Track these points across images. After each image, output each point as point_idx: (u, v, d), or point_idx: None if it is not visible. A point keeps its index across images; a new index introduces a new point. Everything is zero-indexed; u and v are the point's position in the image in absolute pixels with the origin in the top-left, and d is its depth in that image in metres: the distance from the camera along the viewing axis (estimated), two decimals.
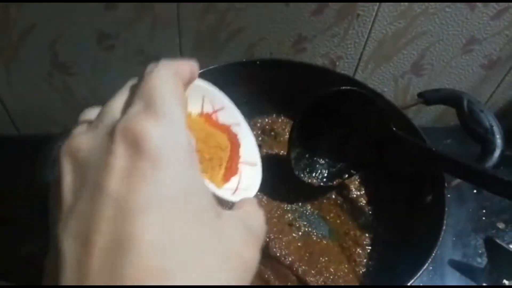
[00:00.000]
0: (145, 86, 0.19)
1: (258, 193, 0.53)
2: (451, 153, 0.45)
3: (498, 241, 0.53)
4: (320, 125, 0.52)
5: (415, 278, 0.41)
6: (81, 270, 0.16)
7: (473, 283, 0.55)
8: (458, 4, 0.59)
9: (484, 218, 0.62)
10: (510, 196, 0.41)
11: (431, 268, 0.55)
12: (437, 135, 0.70)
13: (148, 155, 0.17)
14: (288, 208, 0.53)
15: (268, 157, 0.57)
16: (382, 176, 0.54)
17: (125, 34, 0.57)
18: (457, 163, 0.44)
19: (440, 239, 0.42)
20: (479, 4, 0.59)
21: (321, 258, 0.48)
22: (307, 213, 0.53)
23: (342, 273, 0.47)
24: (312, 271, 0.46)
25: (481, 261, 0.57)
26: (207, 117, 0.30)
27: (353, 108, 0.50)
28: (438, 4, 0.58)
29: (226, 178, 0.29)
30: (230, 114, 0.31)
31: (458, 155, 0.62)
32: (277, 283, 0.46)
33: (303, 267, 0.46)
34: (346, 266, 0.48)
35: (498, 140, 0.45)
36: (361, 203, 0.54)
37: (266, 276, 0.46)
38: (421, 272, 0.41)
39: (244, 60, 0.58)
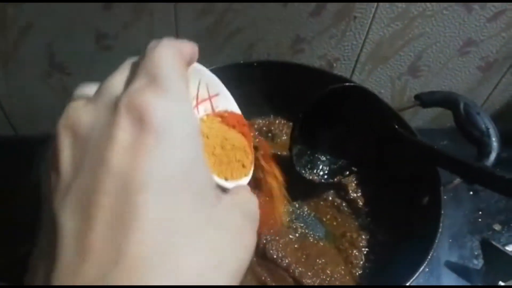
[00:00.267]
0: (148, 61, 0.19)
1: (256, 194, 0.53)
2: (451, 151, 0.46)
3: (494, 242, 0.53)
4: (322, 122, 0.52)
5: (411, 280, 0.41)
6: (81, 246, 0.15)
7: (469, 285, 0.55)
8: (455, 7, 0.59)
9: (480, 219, 0.62)
10: (510, 194, 0.41)
11: (427, 269, 0.55)
12: (434, 136, 0.70)
13: (153, 129, 0.17)
14: (285, 209, 0.53)
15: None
16: (379, 178, 0.54)
17: (123, 35, 0.57)
18: (457, 161, 0.44)
19: (437, 241, 0.42)
20: (476, 7, 0.59)
21: (317, 260, 0.48)
22: (304, 214, 0.53)
23: (338, 275, 0.48)
24: (309, 273, 0.46)
25: (477, 263, 0.57)
26: (220, 116, 0.30)
27: (355, 105, 0.50)
28: (435, 6, 0.59)
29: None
30: (226, 100, 0.31)
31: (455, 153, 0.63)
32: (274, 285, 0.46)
33: (300, 269, 0.46)
34: (343, 268, 0.48)
35: (494, 143, 0.45)
36: (358, 205, 0.54)
37: (263, 278, 0.46)
38: (417, 274, 0.41)
39: (241, 61, 0.58)
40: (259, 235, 0.48)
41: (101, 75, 0.66)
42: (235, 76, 0.55)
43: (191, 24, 0.57)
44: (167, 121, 0.17)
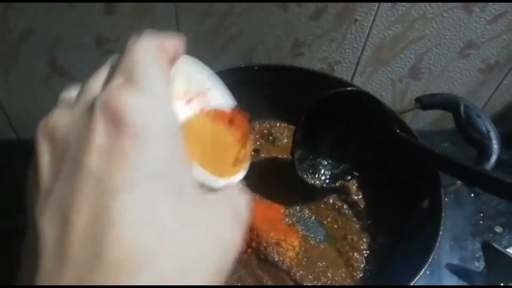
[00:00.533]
0: (126, 58, 0.18)
1: (256, 197, 0.53)
2: (450, 155, 0.46)
3: (495, 245, 0.53)
4: (324, 126, 0.53)
5: (412, 282, 0.41)
6: (60, 251, 0.15)
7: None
8: (456, 9, 0.59)
9: (481, 222, 0.62)
10: (510, 198, 0.41)
11: (428, 272, 0.55)
12: (434, 138, 0.70)
13: (129, 131, 0.16)
14: (286, 212, 0.53)
15: (266, 162, 0.57)
16: (380, 181, 0.54)
17: (124, 39, 0.57)
18: (457, 164, 0.45)
19: (437, 244, 0.43)
20: (477, 9, 0.59)
21: (318, 263, 0.48)
22: (305, 217, 0.53)
23: (339, 278, 0.48)
24: (310, 276, 0.46)
25: (479, 265, 0.57)
26: (212, 112, 0.29)
27: (356, 108, 0.50)
28: (435, 9, 0.59)
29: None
30: (219, 94, 0.30)
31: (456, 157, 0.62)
32: None
33: (301, 272, 0.46)
34: (344, 270, 0.49)
35: (495, 146, 0.45)
36: (359, 208, 0.54)
37: (264, 281, 0.46)
38: (418, 277, 0.41)
39: (242, 65, 0.58)
40: (261, 235, 0.49)
41: None
42: (236, 80, 0.55)
43: (192, 28, 0.57)
44: (143, 121, 0.17)
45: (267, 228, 0.49)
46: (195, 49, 0.68)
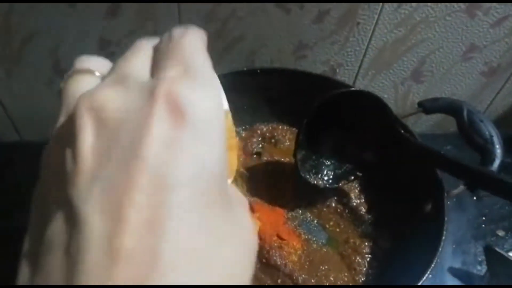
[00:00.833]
0: (181, 49, 0.18)
1: (258, 200, 0.53)
2: (455, 156, 0.46)
3: (497, 249, 0.53)
4: (327, 127, 0.52)
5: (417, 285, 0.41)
6: (112, 248, 0.14)
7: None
8: (458, 13, 0.59)
9: (483, 225, 0.62)
10: None
11: (430, 276, 0.55)
12: (437, 142, 0.70)
13: (190, 124, 0.16)
14: (288, 216, 0.53)
15: (269, 165, 0.57)
16: (382, 185, 0.54)
17: (127, 41, 0.58)
18: (461, 165, 0.44)
19: (440, 248, 0.42)
20: (479, 13, 0.59)
21: (321, 267, 0.48)
22: (307, 221, 0.53)
23: (342, 281, 0.48)
24: (312, 280, 0.47)
25: (481, 269, 0.57)
26: None
27: (360, 109, 0.50)
28: (438, 12, 0.59)
29: None
30: None
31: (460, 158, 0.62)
32: None
33: (303, 275, 0.46)
34: (346, 274, 0.49)
35: (498, 150, 0.45)
36: (361, 211, 0.54)
37: (266, 284, 0.46)
38: (421, 282, 0.41)
39: (245, 68, 0.58)
40: (263, 238, 0.49)
41: None
42: (239, 83, 0.56)
43: None
44: (205, 116, 0.16)
45: (269, 231, 0.49)
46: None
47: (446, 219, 0.44)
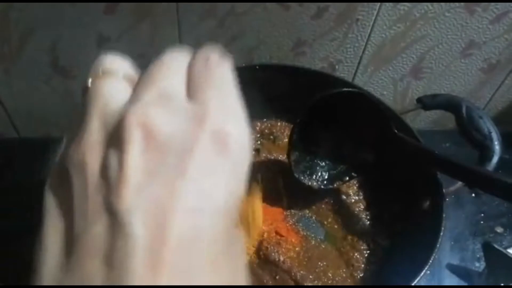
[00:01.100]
0: (218, 80, 0.19)
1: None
2: (450, 155, 0.46)
3: (496, 245, 0.53)
4: (321, 127, 0.52)
5: (413, 283, 0.41)
6: (155, 255, 0.15)
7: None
8: (458, 9, 0.59)
9: (482, 222, 0.62)
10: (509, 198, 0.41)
11: (428, 272, 0.55)
12: (436, 138, 0.70)
13: (231, 157, 0.17)
14: (286, 212, 0.53)
15: (267, 161, 0.57)
16: (380, 182, 0.54)
17: (125, 38, 0.57)
18: (457, 166, 0.44)
19: (438, 245, 0.43)
20: (479, 9, 0.59)
21: (319, 263, 0.48)
22: (306, 217, 0.53)
23: (340, 277, 0.48)
24: (310, 276, 0.47)
25: (479, 265, 0.57)
26: None
27: (354, 109, 0.50)
28: (437, 8, 0.58)
29: None
30: None
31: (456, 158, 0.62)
32: None
33: (301, 272, 0.47)
34: (344, 270, 0.49)
35: (496, 147, 0.45)
36: (359, 208, 0.54)
37: (265, 281, 0.46)
38: (419, 277, 0.41)
39: (243, 64, 0.58)
40: (262, 235, 0.49)
41: None
42: (238, 79, 0.56)
43: (193, 28, 0.57)
44: (244, 148, 0.18)
45: (268, 228, 0.49)
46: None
47: (444, 215, 0.44)
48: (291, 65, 0.60)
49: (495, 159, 0.45)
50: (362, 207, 0.54)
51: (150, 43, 0.58)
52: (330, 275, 0.47)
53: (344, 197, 0.55)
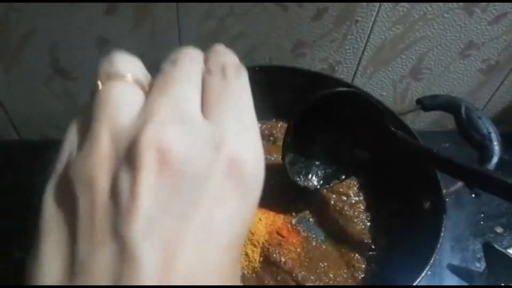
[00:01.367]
0: (236, 97, 0.19)
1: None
2: (449, 155, 0.46)
3: (496, 246, 0.53)
4: (315, 127, 0.52)
5: (414, 284, 0.41)
6: (161, 282, 0.15)
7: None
8: (456, 10, 0.59)
9: (482, 222, 0.62)
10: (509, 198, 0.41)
11: (429, 272, 0.55)
12: (435, 139, 0.70)
13: (246, 185, 0.17)
14: (287, 214, 0.53)
15: (267, 162, 0.57)
16: (380, 182, 0.54)
17: (125, 40, 0.58)
18: (456, 165, 0.44)
19: (439, 245, 0.43)
20: (477, 10, 0.59)
21: (320, 264, 0.48)
22: (306, 218, 0.53)
23: (341, 278, 0.48)
24: (312, 277, 0.47)
25: (480, 266, 0.57)
26: None
27: (350, 108, 0.50)
28: (436, 9, 0.59)
29: None
30: None
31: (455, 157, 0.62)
32: None
33: (303, 272, 0.47)
34: (345, 271, 0.49)
35: (496, 147, 0.45)
36: (360, 209, 0.54)
37: (266, 282, 0.46)
38: (420, 278, 0.41)
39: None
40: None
41: None
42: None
43: (193, 29, 0.58)
44: (258, 176, 0.18)
45: (269, 229, 0.49)
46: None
47: (444, 216, 0.45)
48: (290, 66, 0.61)
49: (494, 159, 0.45)
50: (363, 207, 0.54)
51: (150, 44, 0.58)
52: (331, 275, 0.47)
53: (344, 198, 0.55)
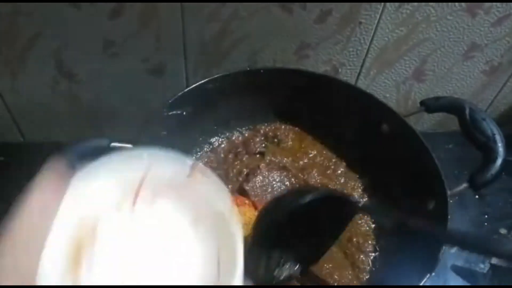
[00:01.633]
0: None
1: (264, 198, 0.53)
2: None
3: None
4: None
5: (419, 285, 0.41)
6: None
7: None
8: (460, 12, 0.59)
9: (486, 223, 0.62)
10: None
11: (433, 273, 0.55)
12: (439, 140, 0.70)
13: None
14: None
15: (271, 164, 0.57)
16: (385, 184, 0.54)
17: (130, 42, 0.58)
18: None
19: (444, 247, 0.43)
20: (480, 11, 0.59)
21: (325, 265, 0.48)
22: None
23: (346, 279, 0.48)
24: (317, 278, 0.47)
25: (484, 267, 0.57)
26: None
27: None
28: (439, 11, 0.59)
29: None
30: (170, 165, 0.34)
31: (459, 160, 0.63)
32: None
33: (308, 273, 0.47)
34: (350, 272, 0.49)
35: (500, 149, 0.45)
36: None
37: None
38: (425, 279, 0.41)
39: (248, 68, 0.59)
40: None
41: (108, 82, 0.66)
42: (242, 83, 0.56)
43: (197, 31, 0.58)
44: None
45: None
46: (201, 53, 0.69)
47: (449, 217, 0.45)
48: (294, 69, 0.61)
49: (499, 161, 0.45)
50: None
51: (155, 46, 0.59)
52: (336, 276, 0.48)
53: None
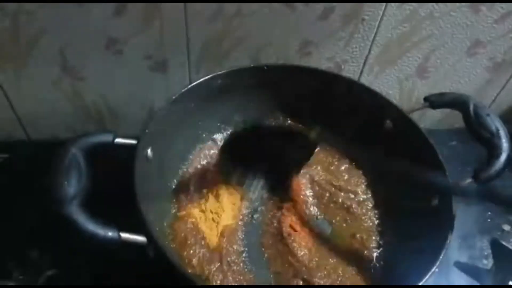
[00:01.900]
0: None
1: (271, 195, 0.53)
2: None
3: (503, 242, 0.53)
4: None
5: (422, 282, 0.41)
6: None
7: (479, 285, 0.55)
8: (463, 8, 0.59)
9: (489, 220, 0.62)
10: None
11: (437, 270, 0.55)
12: (442, 137, 0.70)
13: None
14: (298, 210, 0.53)
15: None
16: (388, 180, 0.54)
17: (134, 40, 0.58)
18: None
19: (448, 242, 0.43)
20: (484, 8, 0.59)
21: (330, 260, 0.48)
22: (316, 216, 0.53)
23: (349, 275, 0.48)
24: (320, 274, 0.47)
25: (487, 263, 0.57)
26: None
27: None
28: (442, 8, 0.59)
29: None
30: None
31: (462, 157, 0.63)
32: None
33: (313, 268, 0.47)
34: (354, 268, 0.49)
35: (504, 144, 0.45)
36: (368, 207, 0.54)
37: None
38: (428, 276, 0.41)
39: (251, 65, 0.59)
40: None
41: (112, 79, 0.66)
42: (245, 80, 0.57)
43: (200, 29, 0.58)
44: None
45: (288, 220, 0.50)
46: (204, 50, 0.69)
47: (454, 213, 0.45)
48: (299, 66, 0.61)
49: (503, 156, 0.45)
50: (371, 205, 0.54)
51: (158, 45, 0.59)
52: (340, 272, 0.48)
53: (352, 195, 0.55)
